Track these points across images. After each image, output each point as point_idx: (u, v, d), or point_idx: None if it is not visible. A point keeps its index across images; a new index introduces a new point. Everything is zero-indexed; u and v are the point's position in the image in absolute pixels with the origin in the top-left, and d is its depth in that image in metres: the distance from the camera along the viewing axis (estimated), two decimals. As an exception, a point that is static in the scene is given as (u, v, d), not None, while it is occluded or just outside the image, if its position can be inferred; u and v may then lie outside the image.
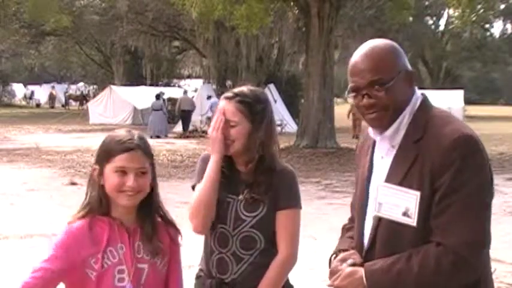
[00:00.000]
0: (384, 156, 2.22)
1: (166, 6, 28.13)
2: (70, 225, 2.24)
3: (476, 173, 2.04)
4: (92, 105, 33.61)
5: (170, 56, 41.72)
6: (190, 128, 25.94)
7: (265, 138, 2.63)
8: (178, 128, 26.75)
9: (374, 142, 2.28)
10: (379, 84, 2.11)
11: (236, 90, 2.67)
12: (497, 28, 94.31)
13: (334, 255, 2.31)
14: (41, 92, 56.06)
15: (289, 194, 2.64)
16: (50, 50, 45.88)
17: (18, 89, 58.32)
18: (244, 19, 17.44)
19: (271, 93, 25.51)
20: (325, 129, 18.72)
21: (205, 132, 20.03)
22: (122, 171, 2.22)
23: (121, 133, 2.29)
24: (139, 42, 35.56)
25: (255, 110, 2.61)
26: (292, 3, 22.04)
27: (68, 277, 2.20)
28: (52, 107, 50.47)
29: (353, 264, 2.17)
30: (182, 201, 9.17)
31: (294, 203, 2.65)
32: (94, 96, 41.17)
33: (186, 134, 25.02)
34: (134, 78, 38.15)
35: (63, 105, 50.45)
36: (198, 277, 2.77)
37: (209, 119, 22.17)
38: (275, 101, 25.10)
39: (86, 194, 2.31)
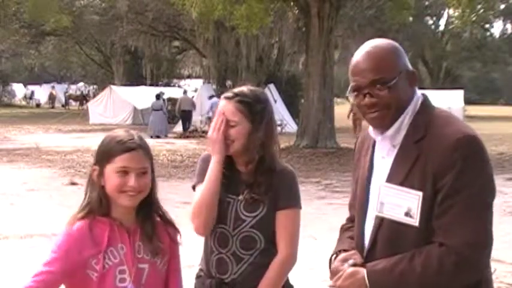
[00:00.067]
0: (384, 156, 2.22)
1: (166, 6, 28.13)
2: (70, 226, 2.23)
3: (479, 173, 2.04)
4: (92, 105, 33.61)
5: (170, 56, 41.71)
6: (190, 128, 25.95)
7: (265, 138, 2.63)
8: (178, 128, 26.75)
9: (374, 142, 2.28)
10: (381, 84, 2.11)
11: (236, 90, 2.67)
12: (497, 28, 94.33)
13: (335, 256, 2.30)
14: (41, 92, 56.05)
15: (289, 194, 2.64)
16: (50, 50, 45.87)
17: (18, 89, 58.32)
18: (244, 19, 17.44)
19: (271, 93, 25.51)
20: (325, 129, 18.72)
21: (205, 132, 20.01)
22: (123, 172, 2.22)
23: (121, 133, 2.29)
24: (139, 42, 35.55)
25: (254, 110, 2.61)
26: (292, 3, 22.04)
27: (70, 279, 2.19)
28: (52, 107, 50.47)
29: (354, 265, 2.16)
30: (182, 201, 9.18)
31: (294, 203, 2.65)
32: (94, 96, 41.18)
33: (186, 134, 25.02)
34: (134, 78, 38.14)
35: (63, 105, 50.45)
36: (198, 277, 2.77)
37: (209, 119, 22.18)
38: (275, 101, 25.09)
39: (85, 195, 2.31)
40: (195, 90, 33.73)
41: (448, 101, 30.35)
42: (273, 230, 2.62)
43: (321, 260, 6.00)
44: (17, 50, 44.98)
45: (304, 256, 5.23)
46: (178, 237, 2.40)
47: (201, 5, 17.74)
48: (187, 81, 43.82)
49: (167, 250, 2.35)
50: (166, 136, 24.46)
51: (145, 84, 36.05)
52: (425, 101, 2.20)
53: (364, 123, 2.29)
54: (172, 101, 30.28)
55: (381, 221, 2.16)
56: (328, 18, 18.48)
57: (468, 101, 41.52)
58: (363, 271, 2.12)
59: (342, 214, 2.56)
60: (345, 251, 2.28)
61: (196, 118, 26.53)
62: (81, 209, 2.28)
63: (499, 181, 2.13)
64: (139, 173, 2.24)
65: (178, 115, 27.25)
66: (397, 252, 2.09)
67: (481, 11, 21.66)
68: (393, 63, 2.15)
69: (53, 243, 2.22)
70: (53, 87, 53.69)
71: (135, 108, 31.68)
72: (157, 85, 36.10)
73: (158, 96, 25.82)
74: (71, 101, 50.72)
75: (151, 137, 22.86)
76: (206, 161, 2.67)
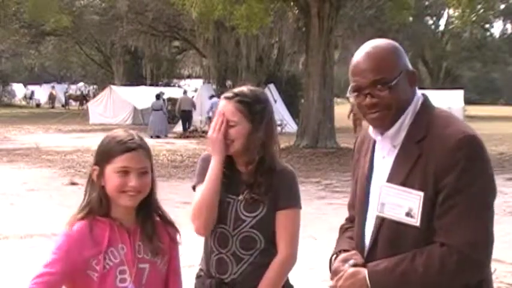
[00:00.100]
0: (385, 156, 2.21)
1: (166, 6, 28.14)
2: (70, 227, 2.23)
3: (480, 173, 2.05)
4: (92, 105, 33.61)
5: (170, 56, 41.71)
6: (191, 128, 25.96)
7: (265, 139, 2.63)
8: (178, 128, 26.75)
9: (374, 142, 2.28)
10: (382, 84, 2.11)
11: (236, 90, 2.67)
12: (497, 28, 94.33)
13: (335, 256, 2.30)
14: (41, 92, 56.05)
15: (289, 194, 2.64)
16: (50, 50, 45.88)
17: (18, 89, 58.31)
18: (244, 19, 17.44)
19: (271, 93, 25.51)
20: (325, 129, 18.72)
21: (205, 132, 20.03)
22: (124, 172, 2.22)
23: (121, 133, 2.29)
24: (139, 42, 35.55)
25: (254, 110, 2.61)
26: (292, 3, 22.04)
27: (70, 279, 2.19)
28: (52, 107, 50.47)
29: (355, 265, 2.16)
30: (182, 201, 9.18)
31: (294, 203, 2.65)
32: (94, 96, 41.18)
33: (186, 134, 25.02)
34: (134, 78, 38.14)
35: (63, 105, 50.45)
36: (198, 277, 2.77)
37: (209, 119, 22.18)
38: (275, 101, 25.09)
39: (85, 195, 2.31)
40: (195, 90, 33.73)
41: (448, 101, 30.35)
42: (273, 230, 2.62)
43: (321, 260, 6.00)
44: (17, 50, 44.99)
45: (304, 256, 5.23)
46: (178, 236, 2.40)
47: (201, 5, 17.74)
48: (187, 81, 43.82)
49: (167, 250, 2.35)
50: (166, 136, 24.46)
51: (145, 84, 36.05)
52: (426, 101, 2.20)
53: (365, 123, 2.29)
54: (172, 101, 30.29)
55: (381, 221, 2.15)
56: (328, 18, 18.48)
57: (468, 101, 41.52)
58: (364, 271, 2.11)
59: (342, 214, 2.56)
60: (345, 251, 2.28)
61: (197, 118, 26.53)
62: (80, 209, 2.27)
63: (499, 181, 2.13)
64: (140, 173, 2.23)
65: (178, 115, 27.26)
66: (398, 252, 2.09)
67: (481, 11, 21.66)
68: (394, 63, 2.14)
69: (53, 244, 2.22)
70: (53, 87, 53.69)
71: (135, 108, 31.68)
72: (157, 85, 36.10)
73: (158, 96, 25.82)
74: (71, 101, 50.72)
75: (151, 137, 22.86)
76: (206, 160, 2.66)
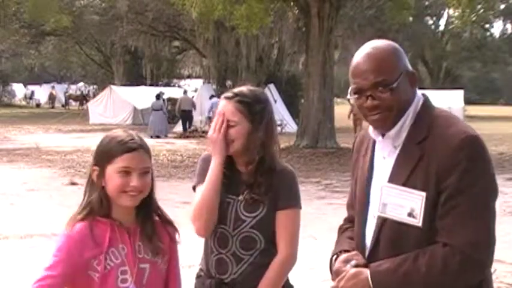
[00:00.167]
0: (385, 157, 2.21)
1: (166, 6, 28.14)
2: (69, 228, 2.23)
3: (482, 174, 2.05)
4: (92, 105, 33.62)
5: (170, 56, 41.71)
6: (191, 128, 25.95)
7: (265, 138, 2.63)
8: (178, 128, 26.75)
9: (373, 142, 2.27)
10: (383, 86, 2.11)
11: (236, 90, 2.67)
12: (497, 28, 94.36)
13: (335, 256, 2.29)
14: (41, 92, 56.05)
15: (289, 194, 2.64)
16: (50, 50, 45.88)
17: (18, 89, 58.32)
18: (244, 19, 17.44)
19: (271, 93, 25.51)
20: (325, 129, 18.72)
21: (205, 132, 20.03)
22: (125, 172, 2.22)
23: (120, 133, 2.29)
24: (139, 42, 35.55)
25: (254, 110, 2.61)
26: (292, 3, 22.04)
27: (71, 280, 2.19)
28: (52, 107, 50.47)
29: (356, 265, 2.15)
30: (182, 201, 9.19)
31: (294, 203, 2.65)
32: (94, 96, 41.18)
33: (186, 134, 25.03)
34: (134, 78, 38.15)
35: (63, 105, 50.45)
36: (198, 277, 2.77)
37: (209, 119, 22.18)
38: (275, 101, 25.09)
39: (84, 195, 2.30)
40: (195, 90, 33.74)
41: (448, 101, 30.36)
42: (273, 230, 2.62)
43: (321, 260, 6.00)
44: (17, 50, 44.99)
45: (304, 256, 5.23)
46: (177, 236, 2.41)
47: (201, 5, 17.74)
48: (187, 81, 43.84)
49: (167, 249, 2.35)
50: (166, 136, 24.46)
51: (145, 84, 36.06)
52: (426, 101, 2.20)
53: (365, 122, 2.29)
54: (172, 101, 30.29)
55: (383, 221, 2.15)
56: (328, 18, 18.48)
57: (468, 101, 41.53)
58: (367, 272, 2.11)
59: (342, 214, 2.56)
60: (345, 251, 2.27)
61: (197, 118, 26.53)
62: (80, 210, 2.27)
63: (499, 181, 2.13)
64: (141, 172, 2.23)
65: (178, 115, 27.26)
66: (400, 252, 2.08)
67: (481, 11, 21.66)
68: (394, 65, 2.14)
69: (54, 246, 2.22)
70: (53, 87, 53.69)
71: (135, 108, 31.68)
72: (157, 85, 36.11)
73: (158, 96, 25.83)
74: (71, 101, 50.72)
75: (151, 137, 22.86)
76: (206, 161, 2.66)
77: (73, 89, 54.02)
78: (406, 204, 2.09)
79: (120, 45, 37.65)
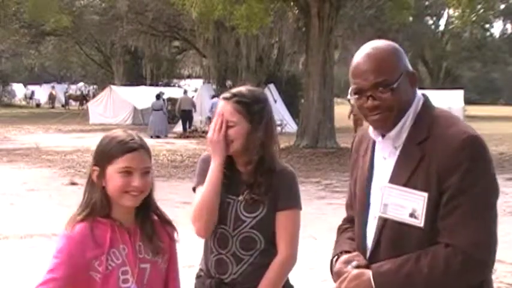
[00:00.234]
0: (386, 157, 2.21)
1: (166, 6, 28.13)
2: (70, 228, 2.22)
3: (484, 173, 2.05)
4: (92, 105, 33.62)
5: (170, 56, 41.70)
6: (191, 128, 25.95)
7: (265, 139, 2.62)
8: (178, 128, 26.75)
9: (373, 142, 2.27)
10: (384, 86, 2.10)
11: (234, 90, 2.67)
12: (497, 28, 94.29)
13: (336, 257, 2.28)
14: (41, 92, 56.05)
15: (289, 195, 2.64)
16: (50, 50, 45.87)
17: (18, 89, 58.31)
18: (244, 19, 17.44)
19: (271, 93, 25.50)
20: (325, 129, 18.73)
21: (205, 132, 20.02)
22: (126, 172, 2.21)
23: (120, 133, 2.28)
24: (139, 42, 35.54)
25: (253, 110, 2.60)
26: (292, 3, 22.04)
27: (73, 281, 2.19)
28: (52, 107, 50.47)
29: (358, 266, 2.15)
30: (182, 201, 9.19)
31: (294, 203, 2.65)
32: (94, 96, 41.17)
33: (186, 134, 25.03)
34: (134, 78, 38.14)
35: (63, 105, 50.43)
36: (198, 277, 2.77)
37: (209, 119, 22.18)
38: (275, 101, 25.09)
39: (84, 196, 2.29)
40: (195, 90, 33.74)
41: (448, 101, 30.36)
42: (273, 230, 2.62)
43: (321, 260, 6.01)
44: (17, 50, 44.97)
45: (304, 256, 5.23)
46: (176, 235, 2.40)
47: (201, 5, 17.74)
48: (187, 81, 43.83)
49: (167, 249, 2.35)
50: (166, 136, 24.47)
51: (145, 84, 36.05)
52: (426, 101, 2.20)
53: (365, 122, 2.28)
54: (172, 101, 30.29)
55: (383, 222, 2.14)
56: (328, 18, 18.48)
57: (468, 101, 41.52)
58: (369, 273, 2.10)
59: (342, 214, 2.56)
60: (346, 252, 2.27)
61: (197, 118, 26.53)
62: (80, 210, 2.26)
63: (499, 181, 2.13)
64: (143, 172, 2.23)
65: (179, 115, 27.26)
66: (401, 253, 2.08)
67: (481, 11, 21.65)
68: (394, 65, 2.14)
69: (54, 248, 2.21)
70: (53, 87, 53.68)
71: (135, 108, 31.68)
72: (157, 85, 36.11)
73: (158, 96, 25.83)
74: (71, 101, 50.70)
75: (152, 137, 22.86)
76: (206, 161, 2.66)
77: (73, 89, 54.00)
78: (407, 205, 2.08)
79: (120, 45, 37.66)
